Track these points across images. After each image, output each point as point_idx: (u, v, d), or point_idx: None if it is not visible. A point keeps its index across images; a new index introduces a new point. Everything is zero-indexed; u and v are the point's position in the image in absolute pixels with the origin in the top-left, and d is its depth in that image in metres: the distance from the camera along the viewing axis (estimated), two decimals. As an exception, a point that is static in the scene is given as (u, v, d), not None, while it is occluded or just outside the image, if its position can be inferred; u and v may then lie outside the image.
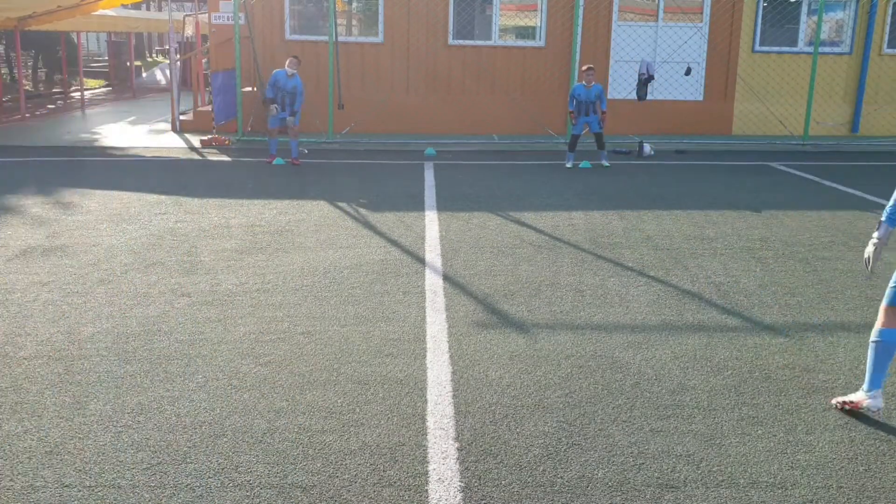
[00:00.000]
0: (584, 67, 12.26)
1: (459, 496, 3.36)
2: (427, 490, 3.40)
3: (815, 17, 15.06)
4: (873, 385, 4.07)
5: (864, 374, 4.18)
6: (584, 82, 12.09)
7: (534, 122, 15.17)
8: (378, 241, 7.52)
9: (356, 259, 6.89)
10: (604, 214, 8.78)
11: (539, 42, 15.50)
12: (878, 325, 4.12)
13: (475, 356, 4.81)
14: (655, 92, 14.96)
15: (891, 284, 4.12)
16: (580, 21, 14.87)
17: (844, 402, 4.19)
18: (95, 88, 27.03)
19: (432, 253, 7.11)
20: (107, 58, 30.39)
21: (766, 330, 5.33)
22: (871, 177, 11.63)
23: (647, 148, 13.54)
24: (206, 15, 16.07)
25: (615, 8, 15.35)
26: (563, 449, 3.75)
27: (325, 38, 14.54)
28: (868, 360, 4.11)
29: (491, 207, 9.08)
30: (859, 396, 4.13)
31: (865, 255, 4.32)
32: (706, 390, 4.40)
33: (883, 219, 4.25)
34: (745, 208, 9.18)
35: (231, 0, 14.10)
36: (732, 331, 5.32)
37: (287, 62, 11.85)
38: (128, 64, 27.34)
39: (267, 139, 12.38)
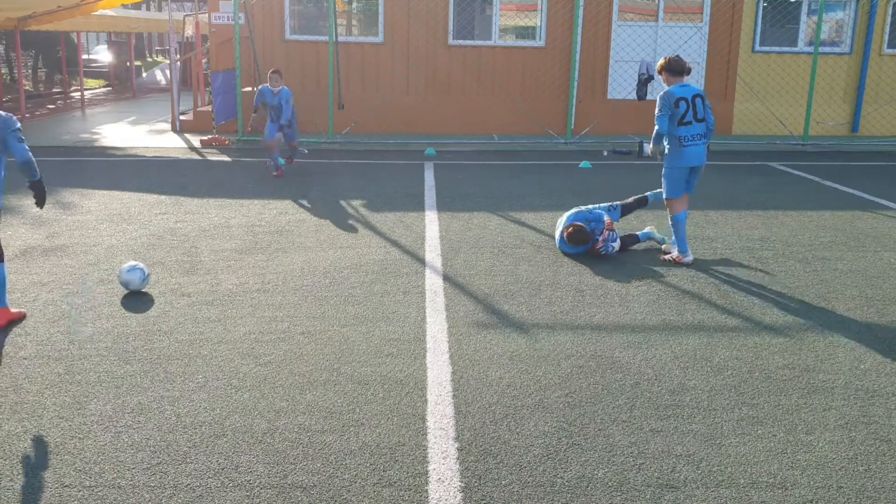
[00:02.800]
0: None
1: (459, 496, 3.36)
2: (427, 490, 3.40)
3: (815, 17, 15.06)
4: (684, 249, 6.86)
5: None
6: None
7: (534, 122, 15.16)
8: (378, 241, 7.52)
9: (356, 259, 6.88)
10: (604, 214, 8.77)
11: (539, 42, 15.49)
12: (671, 213, 6.91)
13: (475, 356, 4.81)
14: (655, 92, 14.88)
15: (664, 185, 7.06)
16: (580, 21, 14.87)
17: (672, 258, 6.88)
18: (95, 88, 27.03)
19: (432, 253, 7.11)
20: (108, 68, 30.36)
21: (766, 330, 5.33)
22: (871, 177, 11.63)
23: (647, 148, 13.52)
24: (206, 15, 16.07)
25: (615, 8, 15.34)
26: (563, 449, 3.75)
27: (325, 38, 14.53)
28: (676, 236, 6.86)
29: (491, 207, 9.08)
30: (676, 254, 6.91)
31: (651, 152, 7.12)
32: (706, 390, 4.40)
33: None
34: (745, 208, 9.18)
35: (231, 0, 14.10)
36: (732, 331, 5.32)
37: (269, 76, 10.83)
38: (128, 64, 27.35)
39: (268, 155, 11.25)
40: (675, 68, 6.86)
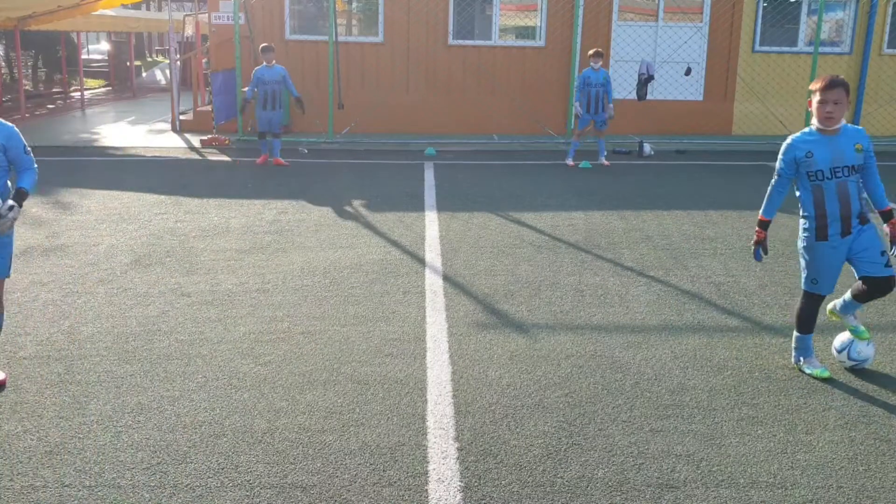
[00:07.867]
0: None
1: (459, 496, 3.36)
2: (427, 490, 3.40)
3: (815, 17, 15.06)
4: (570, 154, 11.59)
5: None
6: None
7: (534, 122, 15.16)
8: (378, 241, 7.52)
9: (356, 259, 6.88)
10: (604, 214, 8.78)
11: (539, 42, 15.49)
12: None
13: (475, 356, 4.81)
14: (655, 92, 14.96)
15: None
16: (580, 21, 14.87)
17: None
18: (95, 88, 27.03)
19: (432, 253, 7.11)
20: (107, 58, 30.37)
21: (766, 330, 5.33)
22: (871, 177, 11.62)
23: (647, 148, 13.54)
24: (206, 15, 16.07)
25: (615, 8, 15.34)
26: (563, 449, 3.75)
27: (325, 38, 14.53)
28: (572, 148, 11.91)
29: (491, 207, 9.08)
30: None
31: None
32: (706, 390, 4.40)
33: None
34: (745, 208, 9.17)
35: (231, 0, 14.10)
36: (732, 331, 5.32)
37: (262, 52, 11.53)
38: (127, 63, 27.34)
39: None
40: (594, 55, 11.85)
